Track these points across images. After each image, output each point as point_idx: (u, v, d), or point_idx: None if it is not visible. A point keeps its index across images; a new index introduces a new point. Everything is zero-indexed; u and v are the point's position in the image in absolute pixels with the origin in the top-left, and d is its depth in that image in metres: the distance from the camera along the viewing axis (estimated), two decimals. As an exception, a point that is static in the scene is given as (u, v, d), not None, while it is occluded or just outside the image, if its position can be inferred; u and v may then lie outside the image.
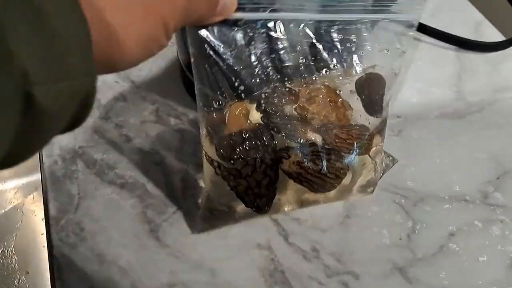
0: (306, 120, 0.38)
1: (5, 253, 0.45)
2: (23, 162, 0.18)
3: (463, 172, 0.50)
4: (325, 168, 0.38)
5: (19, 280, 0.43)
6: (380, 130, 0.41)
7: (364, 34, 0.37)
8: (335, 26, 0.36)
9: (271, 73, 0.36)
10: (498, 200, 0.47)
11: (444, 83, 0.58)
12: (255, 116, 0.38)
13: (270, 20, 0.34)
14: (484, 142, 0.52)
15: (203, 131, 0.37)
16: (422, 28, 0.62)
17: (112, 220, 0.45)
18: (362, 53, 0.38)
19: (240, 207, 0.41)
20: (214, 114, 0.37)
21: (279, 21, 0.35)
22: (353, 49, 0.37)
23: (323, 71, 0.38)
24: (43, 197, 0.47)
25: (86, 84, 0.17)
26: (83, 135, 0.50)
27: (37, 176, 0.49)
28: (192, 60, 0.34)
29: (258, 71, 0.36)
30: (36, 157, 0.49)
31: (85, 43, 0.17)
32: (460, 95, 0.57)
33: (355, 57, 0.38)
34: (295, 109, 0.38)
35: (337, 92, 0.39)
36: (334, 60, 0.37)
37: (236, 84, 0.36)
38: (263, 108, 0.37)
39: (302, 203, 0.43)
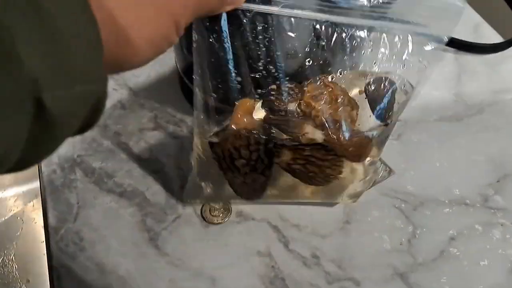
0: (309, 117, 0.38)
1: (5, 261, 0.45)
2: (34, 165, 0.18)
3: (462, 175, 0.49)
4: (322, 158, 0.39)
5: (20, 288, 0.43)
6: (379, 143, 0.41)
7: (381, 41, 0.36)
8: (351, 30, 0.36)
9: (273, 70, 0.36)
10: (499, 203, 0.47)
11: (443, 86, 0.58)
12: (260, 113, 0.38)
13: (281, 16, 0.33)
14: (484, 145, 0.52)
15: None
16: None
17: (111, 229, 0.45)
18: (375, 62, 0.38)
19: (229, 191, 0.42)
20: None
21: (290, 18, 0.34)
22: (364, 54, 0.37)
23: (330, 75, 0.38)
24: (42, 207, 0.47)
25: (96, 89, 0.17)
26: (82, 144, 0.50)
27: (37, 184, 0.49)
28: (194, 46, 0.33)
29: (260, 65, 0.36)
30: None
31: (95, 49, 0.17)
32: (459, 97, 0.57)
33: (366, 62, 0.37)
34: (299, 105, 0.38)
35: (347, 92, 0.39)
36: (342, 64, 0.37)
37: (234, 75, 0.35)
38: (268, 104, 0.37)
39: (289, 196, 0.44)
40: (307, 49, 0.36)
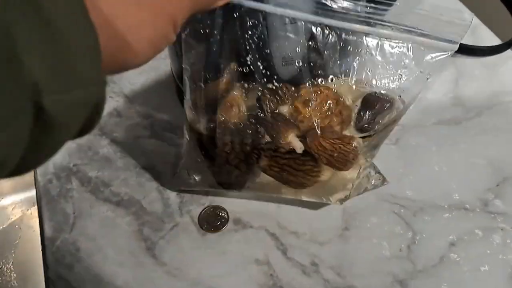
0: (294, 122, 0.38)
1: (3, 270, 0.45)
2: (33, 169, 0.18)
3: (462, 179, 0.49)
4: (296, 168, 0.39)
5: (18, 297, 0.43)
6: (366, 152, 0.40)
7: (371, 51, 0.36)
8: (347, 35, 0.36)
9: (261, 67, 0.36)
10: (499, 207, 0.47)
11: (441, 89, 0.58)
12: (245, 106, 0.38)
13: (274, 14, 0.33)
14: (483, 148, 0.52)
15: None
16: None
17: (108, 239, 0.44)
18: (369, 70, 0.38)
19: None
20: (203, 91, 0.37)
21: (283, 17, 0.34)
22: (359, 62, 0.37)
23: (325, 79, 0.38)
24: (38, 217, 0.46)
25: (96, 93, 0.17)
26: (78, 152, 0.50)
27: (34, 192, 0.49)
28: (183, 37, 0.34)
29: (248, 61, 0.36)
30: (32, 172, 0.49)
31: (94, 53, 0.17)
32: (457, 100, 0.57)
33: (358, 69, 0.37)
34: (289, 109, 0.38)
35: (340, 99, 0.39)
36: (336, 68, 0.37)
37: (222, 67, 0.36)
38: (259, 103, 0.38)
39: (271, 192, 0.44)
40: (298, 50, 0.36)
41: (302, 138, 0.38)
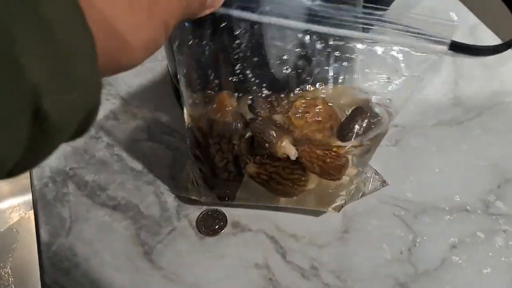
0: (287, 130, 0.38)
1: (1, 274, 0.44)
2: (30, 170, 0.18)
3: (463, 181, 0.48)
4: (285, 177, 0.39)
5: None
6: (357, 159, 0.40)
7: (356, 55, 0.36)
8: (336, 41, 0.36)
9: (250, 75, 0.36)
10: (500, 209, 0.46)
11: (440, 90, 0.57)
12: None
13: (259, 23, 0.34)
14: (484, 149, 0.51)
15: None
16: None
17: (105, 243, 0.44)
18: (358, 75, 0.37)
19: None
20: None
21: (267, 25, 0.34)
22: (347, 68, 0.37)
23: (309, 86, 0.38)
24: (34, 222, 0.46)
25: (92, 94, 0.18)
26: (74, 156, 0.49)
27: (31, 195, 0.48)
28: (174, 47, 0.35)
29: (237, 70, 0.36)
30: (29, 176, 0.49)
31: (91, 55, 0.17)
32: (457, 101, 0.56)
33: (347, 74, 0.37)
34: (282, 118, 0.38)
35: (333, 115, 0.38)
36: (324, 75, 0.37)
37: (211, 77, 0.36)
38: (253, 110, 0.37)
39: (262, 200, 0.44)
40: (285, 57, 0.36)
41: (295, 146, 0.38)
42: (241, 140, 0.39)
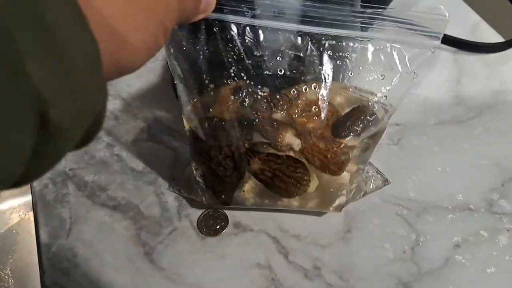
0: (289, 126, 0.38)
1: (1, 275, 0.44)
2: (35, 180, 0.18)
3: (465, 179, 0.48)
4: (289, 175, 0.39)
5: (16, 304, 0.42)
6: (357, 156, 0.40)
7: (354, 54, 0.36)
8: (328, 41, 0.36)
9: (245, 78, 0.36)
10: (504, 208, 0.46)
11: (442, 88, 0.57)
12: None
13: (251, 25, 0.34)
14: (486, 147, 0.51)
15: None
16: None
17: (105, 244, 0.43)
18: (351, 74, 0.37)
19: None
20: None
21: (259, 28, 0.35)
22: (342, 66, 0.37)
23: (304, 87, 0.38)
24: (34, 223, 0.45)
25: (98, 100, 0.18)
26: (74, 156, 0.49)
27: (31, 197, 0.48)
28: (168, 54, 0.35)
29: (232, 72, 0.36)
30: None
31: (95, 60, 0.17)
32: (459, 99, 0.56)
33: (340, 73, 0.37)
34: (284, 115, 0.38)
35: (334, 107, 0.38)
36: (317, 75, 0.37)
37: (207, 81, 0.36)
38: (255, 106, 0.37)
39: (264, 201, 0.43)
40: (279, 58, 0.36)
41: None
42: (242, 136, 0.38)
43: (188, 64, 0.36)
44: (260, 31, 0.35)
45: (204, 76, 0.36)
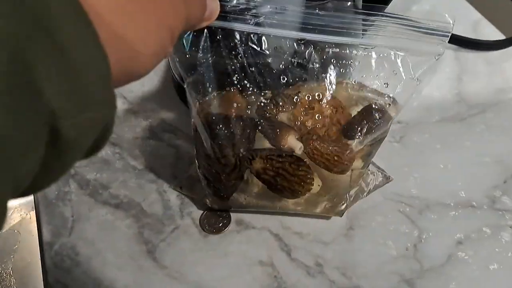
0: (291, 126, 0.38)
1: (3, 275, 0.44)
2: (43, 190, 0.18)
3: (468, 177, 0.48)
4: (292, 173, 0.39)
5: (17, 303, 0.42)
6: (364, 155, 0.40)
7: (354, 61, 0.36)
8: (332, 49, 0.36)
9: (248, 85, 0.36)
10: (507, 204, 0.46)
11: (444, 86, 0.57)
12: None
13: (254, 33, 0.34)
14: (488, 145, 0.51)
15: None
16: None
17: (107, 242, 0.43)
18: (355, 82, 0.37)
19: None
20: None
21: (263, 36, 0.35)
22: (346, 74, 0.37)
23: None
24: (36, 222, 0.45)
25: (106, 112, 0.18)
26: (76, 155, 0.49)
27: (32, 196, 0.48)
28: (172, 61, 0.35)
29: (235, 80, 0.36)
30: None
31: (105, 73, 0.17)
32: (460, 97, 0.56)
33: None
34: (288, 115, 0.38)
35: (340, 107, 0.38)
36: (320, 82, 0.37)
37: (210, 88, 0.36)
38: (260, 109, 0.37)
39: (267, 206, 0.43)
40: (281, 66, 0.36)
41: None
42: (245, 136, 0.38)
43: (192, 70, 0.36)
44: (263, 39, 0.35)
45: (208, 82, 0.36)
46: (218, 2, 0.29)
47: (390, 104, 0.38)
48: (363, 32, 0.35)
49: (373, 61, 0.36)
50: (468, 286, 0.41)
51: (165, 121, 0.52)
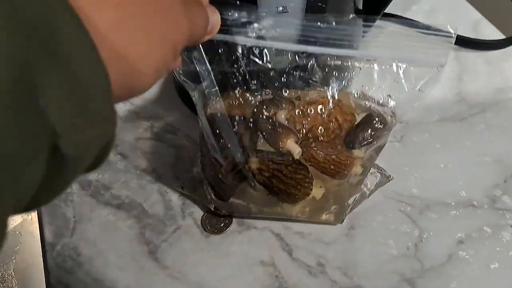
0: (292, 130, 0.38)
1: (4, 276, 0.44)
2: (43, 206, 0.18)
3: (468, 176, 0.48)
4: (288, 175, 0.38)
5: (19, 304, 0.42)
6: (363, 162, 0.40)
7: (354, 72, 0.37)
8: (334, 62, 0.36)
9: (250, 98, 0.37)
10: (507, 204, 0.46)
11: (444, 85, 0.57)
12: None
13: (256, 46, 0.35)
14: (488, 144, 0.51)
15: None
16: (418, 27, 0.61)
17: (109, 243, 0.44)
18: (357, 95, 0.38)
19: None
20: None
21: (264, 49, 0.35)
22: (348, 86, 0.37)
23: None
24: (38, 222, 0.45)
25: (107, 130, 0.18)
26: (77, 156, 0.49)
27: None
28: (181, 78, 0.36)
29: (237, 104, 0.37)
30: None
31: (106, 91, 0.17)
32: (460, 97, 0.56)
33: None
34: (286, 117, 0.38)
35: (342, 113, 0.38)
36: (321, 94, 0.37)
37: (215, 95, 0.36)
38: (259, 109, 0.37)
39: (269, 212, 0.43)
40: (283, 79, 0.36)
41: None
42: (247, 137, 0.38)
43: (196, 81, 0.36)
44: (265, 52, 0.35)
45: (212, 90, 0.36)
46: (219, 16, 0.29)
47: (391, 116, 0.38)
48: (365, 44, 0.35)
49: (375, 73, 0.37)
50: (469, 285, 0.41)
51: (166, 122, 0.52)
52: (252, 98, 0.38)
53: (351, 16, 0.35)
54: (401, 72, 0.36)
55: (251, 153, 0.38)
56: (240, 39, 0.34)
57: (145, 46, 0.20)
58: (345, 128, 0.38)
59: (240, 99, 0.38)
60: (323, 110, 0.38)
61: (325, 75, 0.37)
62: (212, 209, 0.44)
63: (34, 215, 0.48)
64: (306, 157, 0.37)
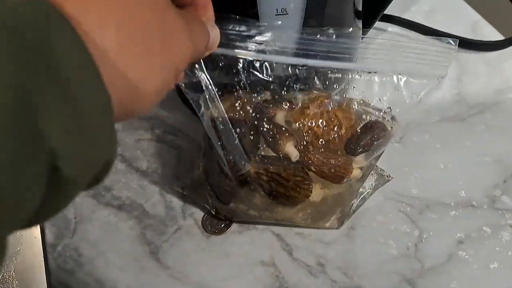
0: (291, 132, 0.38)
1: (5, 277, 0.44)
2: (43, 223, 0.18)
3: (468, 176, 0.48)
4: (287, 178, 0.38)
5: (20, 305, 0.42)
6: (363, 166, 0.40)
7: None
8: (334, 75, 0.36)
9: (251, 111, 0.37)
10: (507, 204, 0.46)
11: (444, 86, 0.57)
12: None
13: (256, 60, 0.35)
14: (488, 145, 0.51)
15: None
16: (417, 27, 0.61)
17: (110, 243, 0.44)
18: (357, 106, 0.38)
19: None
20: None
21: (264, 62, 0.35)
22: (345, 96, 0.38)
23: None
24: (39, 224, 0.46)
25: (107, 151, 0.18)
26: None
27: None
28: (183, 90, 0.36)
29: (238, 106, 0.37)
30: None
31: (106, 113, 0.17)
32: (460, 97, 0.56)
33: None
34: (286, 118, 0.38)
35: (342, 117, 0.38)
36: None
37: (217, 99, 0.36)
38: (258, 111, 0.37)
39: (269, 216, 0.43)
40: (284, 92, 0.37)
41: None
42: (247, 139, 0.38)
43: (198, 91, 0.36)
44: (265, 65, 0.36)
45: (214, 98, 0.37)
46: (218, 31, 0.29)
47: (392, 127, 0.39)
48: (365, 57, 0.36)
49: (376, 86, 0.37)
50: (469, 285, 0.41)
51: (167, 122, 0.52)
52: (253, 98, 0.38)
53: (351, 29, 0.35)
54: (401, 83, 0.36)
55: (252, 157, 0.38)
56: (240, 53, 0.34)
57: (147, 69, 0.20)
58: (345, 126, 0.38)
59: (240, 101, 0.38)
60: (323, 107, 0.38)
61: (325, 88, 0.37)
62: (213, 213, 0.44)
63: (35, 216, 0.48)
64: (304, 162, 0.37)
